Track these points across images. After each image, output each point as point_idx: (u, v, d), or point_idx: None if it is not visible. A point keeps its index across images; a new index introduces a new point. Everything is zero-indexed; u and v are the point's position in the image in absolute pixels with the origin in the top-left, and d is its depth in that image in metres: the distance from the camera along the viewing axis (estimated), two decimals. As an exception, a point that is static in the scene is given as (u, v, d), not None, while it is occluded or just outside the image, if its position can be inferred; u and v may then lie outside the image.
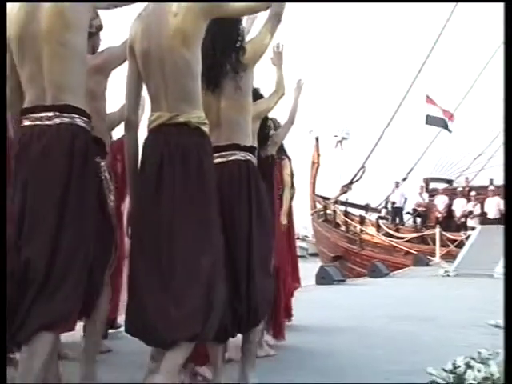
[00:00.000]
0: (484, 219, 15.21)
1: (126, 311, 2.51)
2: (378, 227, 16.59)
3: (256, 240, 2.81)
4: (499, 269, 10.76)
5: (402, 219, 17.51)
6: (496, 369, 2.82)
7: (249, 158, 2.91)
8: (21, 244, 2.24)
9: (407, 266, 13.84)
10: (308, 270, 10.71)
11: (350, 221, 17.21)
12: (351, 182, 17.96)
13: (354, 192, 17.94)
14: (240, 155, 2.88)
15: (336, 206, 17.78)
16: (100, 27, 3.20)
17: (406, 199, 17.54)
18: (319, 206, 18.04)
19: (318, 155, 17.07)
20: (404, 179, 18.24)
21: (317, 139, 16.96)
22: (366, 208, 18.31)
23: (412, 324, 5.57)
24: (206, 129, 2.55)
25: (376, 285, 10.09)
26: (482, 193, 16.01)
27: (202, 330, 2.34)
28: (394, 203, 17.60)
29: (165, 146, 2.46)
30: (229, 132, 2.89)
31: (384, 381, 3.36)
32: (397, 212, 17.47)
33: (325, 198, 18.03)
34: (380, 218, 17.53)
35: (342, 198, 18.00)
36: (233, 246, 2.71)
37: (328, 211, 17.78)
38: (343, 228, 17.28)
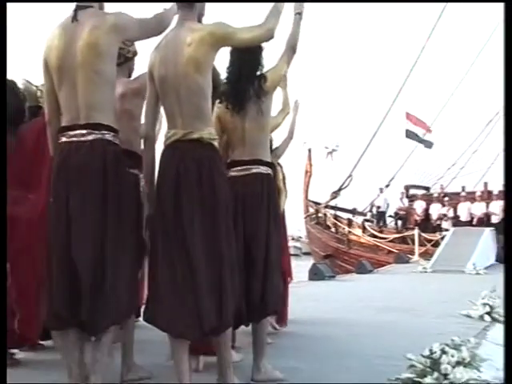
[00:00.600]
0: (457, 221, 15.20)
1: (146, 304, 2.51)
2: (364, 229, 16.56)
3: (273, 242, 2.86)
4: (470, 265, 10.81)
5: (385, 222, 17.53)
6: (467, 354, 2.85)
7: (269, 172, 2.98)
8: (70, 252, 2.30)
9: (390, 263, 13.79)
10: (302, 267, 10.74)
11: (338, 223, 17.17)
12: (340, 189, 17.92)
13: (342, 197, 17.89)
14: (262, 169, 2.94)
15: (326, 210, 17.74)
16: (135, 53, 3.24)
17: (388, 204, 17.55)
18: (311, 210, 18.00)
19: (311, 165, 17.07)
20: (387, 186, 18.21)
21: (309, 150, 16.98)
22: (353, 212, 18.26)
23: (394, 315, 5.59)
24: (216, 144, 2.57)
25: (362, 280, 10.06)
26: (454, 198, 16.04)
27: (219, 323, 2.40)
28: (378, 207, 17.62)
29: (180, 160, 2.47)
30: (252, 149, 2.94)
31: (369, 365, 3.39)
32: (380, 215, 17.48)
33: (316, 203, 18.00)
34: (365, 220, 17.50)
35: (332, 203, 17.95)
36: (252, 247, 2.75)
37: (319, 215, 17.74)
38: (333, 229, 17.23)
